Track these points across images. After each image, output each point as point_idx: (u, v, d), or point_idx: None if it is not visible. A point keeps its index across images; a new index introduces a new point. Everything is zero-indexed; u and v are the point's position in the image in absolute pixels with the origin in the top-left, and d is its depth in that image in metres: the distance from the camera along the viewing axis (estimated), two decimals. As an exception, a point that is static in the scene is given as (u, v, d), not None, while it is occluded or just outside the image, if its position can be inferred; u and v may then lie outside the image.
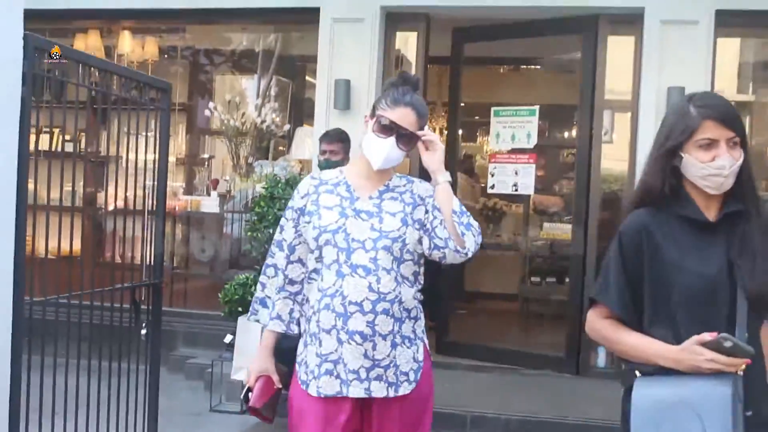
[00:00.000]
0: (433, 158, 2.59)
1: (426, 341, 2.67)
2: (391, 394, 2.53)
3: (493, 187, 6.49)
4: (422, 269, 2.66)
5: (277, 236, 2.70)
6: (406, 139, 2.54)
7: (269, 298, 2.69)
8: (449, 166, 2.97)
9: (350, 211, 2.54)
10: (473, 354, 6.33)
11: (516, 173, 6.26)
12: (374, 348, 2.48)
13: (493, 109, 6.51)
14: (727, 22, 5.98)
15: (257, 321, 2.74)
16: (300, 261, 2.63)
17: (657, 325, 2.11)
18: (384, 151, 2.52)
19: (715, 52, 6.02)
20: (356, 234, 2.50)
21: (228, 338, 5.23)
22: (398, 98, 2.53)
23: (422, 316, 2.67)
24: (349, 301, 2.46)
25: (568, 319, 6.38)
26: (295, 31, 7.27)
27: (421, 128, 2.58)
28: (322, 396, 2.50)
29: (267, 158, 6.96)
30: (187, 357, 6.20)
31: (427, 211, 2.58)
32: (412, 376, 2.59)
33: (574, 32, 6.40)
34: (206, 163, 7.53)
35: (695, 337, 2.01)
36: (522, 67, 8.86)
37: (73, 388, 3.28)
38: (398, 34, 6.63)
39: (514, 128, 6.29)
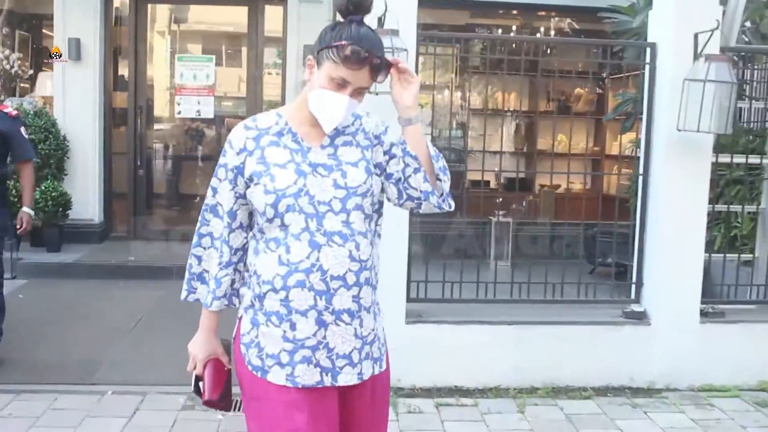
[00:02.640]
0: (409, 93, 2.14)
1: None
2: (377, 370, 2.21)
3: (179, 112, 9.14)
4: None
5: (209, 200, 2.23)
6: (366, 88, 2.09)
7: (207, 272, 2.26)
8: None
9: (306, 167, 2.10)
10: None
11: (198, 102, 9.01)
12: (361, 324, 2.14)
13: (177, 56, 9.23)
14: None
15: (197, 300, 2.29)
16: (242, 227, 2.20)
17: None
18: (340, 110, 2.06)
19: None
20: (320, 195, 2.08)
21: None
22: (352, 54, 2.00)
23: None
24: (330, 275, 2.06)
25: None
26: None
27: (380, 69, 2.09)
28: (299, 386, 2.09)
29: (15, 96, 8.82)
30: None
31: (386, 153, 2.19)
32: (384, 347, 2.27)
33: (238, 4, 9.28)
34: (-39, 102, 9.21)
35: None
36: (201, 24, 10.67)
37: None
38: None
39: (195, 70, 8.97)
